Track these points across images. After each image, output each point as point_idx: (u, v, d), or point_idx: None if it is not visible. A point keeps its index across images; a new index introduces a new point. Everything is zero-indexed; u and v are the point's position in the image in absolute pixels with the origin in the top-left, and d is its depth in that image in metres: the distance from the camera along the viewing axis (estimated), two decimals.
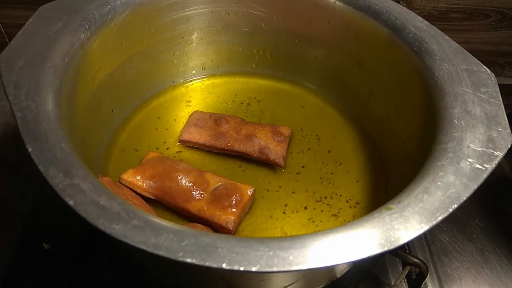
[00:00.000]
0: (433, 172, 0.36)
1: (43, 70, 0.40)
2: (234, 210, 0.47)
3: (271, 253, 0.30)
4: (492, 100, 0.42)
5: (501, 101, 0.42)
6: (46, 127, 0.36)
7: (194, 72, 0.66)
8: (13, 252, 0.50)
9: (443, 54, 0.46)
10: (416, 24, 0.50)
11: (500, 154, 0.37)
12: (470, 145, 0.38)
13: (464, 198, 0.34)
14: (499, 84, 0.43)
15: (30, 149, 0.34)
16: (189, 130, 0.57)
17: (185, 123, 0.58)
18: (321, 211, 0.51)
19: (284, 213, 0.51)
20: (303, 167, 0.56)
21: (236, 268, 0.29)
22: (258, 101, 0.64)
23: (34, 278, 0.48)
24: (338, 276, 0.47)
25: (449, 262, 0.53)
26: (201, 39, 0.63)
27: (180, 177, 0.49)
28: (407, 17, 0.51)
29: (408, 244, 0.53)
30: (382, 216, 0.33)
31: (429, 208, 0.33)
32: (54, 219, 0.52)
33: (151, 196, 0.50)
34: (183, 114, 0.61)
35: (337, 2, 0.56)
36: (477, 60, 0.46)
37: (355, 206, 0.52)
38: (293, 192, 0.53)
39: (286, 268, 0.29)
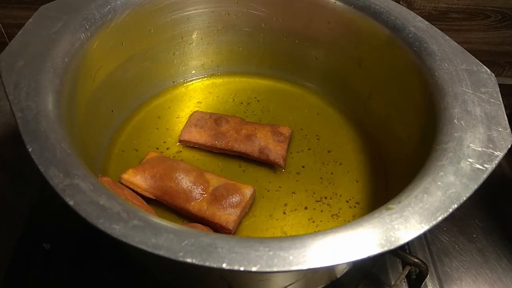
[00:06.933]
0: (433, 172, 0.36)
1: (43, 70, 0.40)
2: (234, 210, 0.47)
3: (271, 253, 0.30)
4: (492, 100, 0.42)
5: (501, 101, 0.42)
6: (46, 127, 0.36)
7: (194, 72, 0.66)
8: (13, 252, 0.50)
9: (443, 54, 0.46)
10: (416, 24, 0.50)
11: (500, 154, 0.37)
12: (470, 145, 0.38)
13: (464, 198, 0.34)
14: (499, 84, 0.43)
15: (30, 149, 0.34)
16: (189, 130, 0.57)
17: (185, 123, 0.58)
18: (321, 211, 0.51)
19: (284, 213, 0.51)
20: (303, 167, 0.56)
21: (236, 268, 0.29)
22: (258, 101, 0.64)
23: (34, 278, 0.48)
24: (338, 276, 0.47)
25: (449, 262, 0.53)
26: (201, 39, 0.63)
27: (180, 177, 0.49)
28: (407, 17, 0.51)
29: (408, 244, 0.53)
30: (382, 216, 0.33)
31: (429, 208, 0.33)
32: (54, 219, 0.52)
33: (151, 196, 0.50)
34: (183, 114, 0.61)
35: (337, 2, 0.56)
36: (477, 60, 0.46)
37: (355, 206, 0.52)
38: (293, 192, 0.53)
39: (286, 268, 0.29)
